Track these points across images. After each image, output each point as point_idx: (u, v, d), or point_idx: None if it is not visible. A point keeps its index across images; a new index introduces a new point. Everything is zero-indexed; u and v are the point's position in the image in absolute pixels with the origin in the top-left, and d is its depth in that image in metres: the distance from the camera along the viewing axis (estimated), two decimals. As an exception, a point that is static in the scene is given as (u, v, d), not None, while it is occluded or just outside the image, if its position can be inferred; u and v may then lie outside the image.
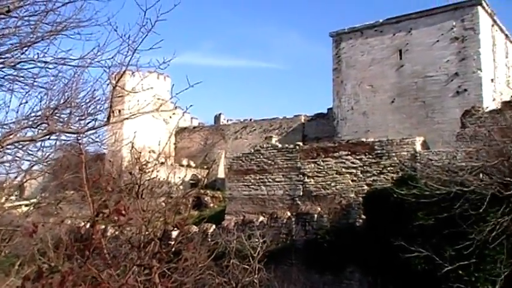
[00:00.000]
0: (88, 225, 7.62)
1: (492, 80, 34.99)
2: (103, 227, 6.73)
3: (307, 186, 27.60)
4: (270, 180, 29.07)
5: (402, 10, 60.32)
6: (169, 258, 8.35)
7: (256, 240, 20.81)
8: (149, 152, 39.65)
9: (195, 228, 25.08)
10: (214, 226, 25.40)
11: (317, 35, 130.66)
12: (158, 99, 29.95)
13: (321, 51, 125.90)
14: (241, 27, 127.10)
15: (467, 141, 20.19)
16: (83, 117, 7.33)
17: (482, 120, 22.59)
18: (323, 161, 27.30)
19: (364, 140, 27.63)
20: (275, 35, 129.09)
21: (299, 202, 27.32)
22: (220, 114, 57.17)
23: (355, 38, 39.00)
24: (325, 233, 22.33)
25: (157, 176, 12.18)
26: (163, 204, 10.74)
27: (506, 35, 39.22)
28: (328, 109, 43.62)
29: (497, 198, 15.07)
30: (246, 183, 29.95)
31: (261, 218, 24.71)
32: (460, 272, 15.10)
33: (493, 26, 36.66)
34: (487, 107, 28.06)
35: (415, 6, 65.77)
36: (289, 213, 24.57)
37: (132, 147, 10.79)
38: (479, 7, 34.34)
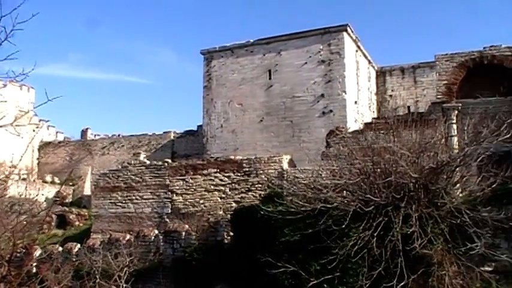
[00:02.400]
0: None
1: (356, 102, 36.70)
2: None
3: (175, 203, 27.24)
4: (137, 197, 28.38)
5: (273, 31, 62.08)
6: (24, 281, 7.79)
7: (123, 259, 20.21)
8: (10, 167, 37.62)
9: (58, 248, 23.96)
10: (79, 245, 24.33)
11: (189, 52, 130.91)
12: (20, 111, 28.40)
13: (192, 68, 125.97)
14: (112, 41, 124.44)
15: (331, 160, 20.85)
16: None
17: (346, 140, 23.51)
18: (192, 179, 27.11)
19: (232, 157, 27.81)
20: (147, 51, 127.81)
21: (167, 220, 26.87)
22: (87, 128, 55.27)
23: (226, 56, 39.40)
24: (193, 250, 22.08)
25: (20, 192, 11.46)
26: (24, 222, 10.06)
27: (369, 61, 41.43)
28: (198, 126, 43.65)
29: (359, 214, 15.65)
30: (112, 201, 29.02)
31: (128, 236, 23.99)
32: (325, 285, 15.43)
33: (357, 51, 38.58)
34: (349, 128, 29.38)
35: (285, 29, 67.77)
36: (156, 231, 24.07)
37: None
38: (344, 33, 36.02)
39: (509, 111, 18.51)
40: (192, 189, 27.09)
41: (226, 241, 22.51)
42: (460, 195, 17.62)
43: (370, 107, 40.60)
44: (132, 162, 29.90)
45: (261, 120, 37.10)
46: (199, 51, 40.59)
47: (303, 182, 18.91)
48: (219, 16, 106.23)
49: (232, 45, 39.36)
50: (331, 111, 34.85)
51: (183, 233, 22.95)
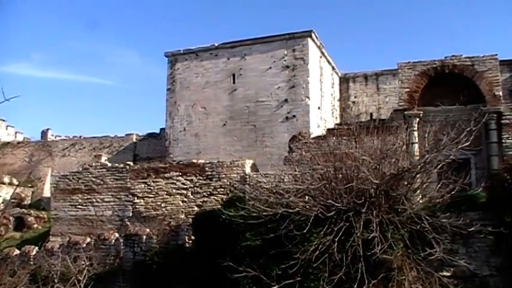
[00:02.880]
0: None
1: (319, 107, 36.96)
2: None
3: (137, 207, 27.02)
4: (98, 200, 28.05)
5: (238, 35, 62.13)
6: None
7: (83, 262, 19.94)
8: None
9: (15, 251, 23.52)
10: (37, 248, 23.90)
11: (154, 54, 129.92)
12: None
13: (157, 71, 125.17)
14: (75, 41, 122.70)
15: (293, 165, 20.96)
16: None
17: (308, 146, 23.67)
18: (154, 182, 26.93)
19: (195, 161, 27.72)
20: (111, 52, 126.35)
21: (128, 223, 26.63)
22: (47, 129, 54.22)
23: (190, 59, 39.26)
24: (154, 254, 21.89)
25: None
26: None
27: (332, 67, 41.80)
28: (161, 129, 43.37)
29: (320, 219, 15.74)
30: (73, 203, 28.62)
31: (88, 240, 23.67)
32: (286, 290, 15.49)
33: (321, 57, 38.88)
34: (312, 133, 29.57)
35: (250, 33, 67.96)
36: (117, 235, 23.80)
37: None
38: (309, 39, 36.26)
39: (469, 120, 18.83)
40: (154, 193, 26.91)
41: (187, 245, 22.38)
42: (420, 201, 17.87)
43: (333, 113, 40.95)
44: (93, 164, 29.53)
45: (224, 124, 37.07)
46: (164, 53, 40.37)
47: (265, 186, 18.94)
48: (185, 18, 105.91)
49: (196, 48, 39.24)
50: (294, 116, 35.02)
51: (144, 237, 22.74)
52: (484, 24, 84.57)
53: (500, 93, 25.84)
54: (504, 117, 24.62)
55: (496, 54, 26.46)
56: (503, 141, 24.26)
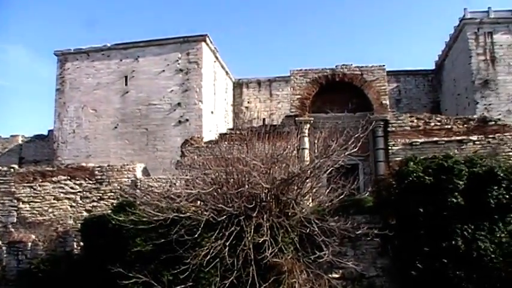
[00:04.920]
0: None
1: (212, 112, 37.09)
2: None
3: (22, 212, 25.81)
4: (-21, 205, 26.60)
5: (132, 37, 61.00)
6: None
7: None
8: None
9: None
10: None
11: (44, 52, 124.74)
12: None
13: (46, 70, 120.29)
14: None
15: (185, 169, 20.94)
16: None
17: (201, 150, 23.76)
18: (40, 186, 25.87)
19: (84, 164, 26.97)
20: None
21: (12, 229, 25.40)
22: None
23: (81, 59, 38.07)
24: (40, 262, 21.18)
25: None
26: None
27: (226, 72, 42.06)
28: (49, 131, 41.77)
29: (211, 224, 15.85)
30: (-50, 208, 26.96)
31: (-34, 248, 22.48)
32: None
33: (215, 62, 39.02)
34: (203, 138, 29.69)
35: (145, 34, 66.95)
36: (0, 242, 22.76)
37: None
38: (203, 43, 36.27)
39: (357, 127, 19.60)
40: (41, 197, 25.86)
41: (76, 252, 21.83)
42: (310, 205, 18.43)
43: (226, 117, 41.22)
44: (-26, 167, 28.01)
45: (116, 127, 36.28)
46: (53, 52, 38.92)
47: (156, 191, 18.78)
48: (76, 17, 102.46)
49: (88, 48, 38.14)
50: (187, 120, 34.90)
51: (29, 244, 21.96)
52: (375, 35, 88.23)
53: (387, 102, 27.09)
54: (390, 125, 25.77)
55: (384, 65, 27.76)
56: (390, 147, 25.36)
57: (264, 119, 38.19)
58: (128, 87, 36.60)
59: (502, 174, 17.77)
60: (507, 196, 17.45)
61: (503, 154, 23.32)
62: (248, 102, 43.80)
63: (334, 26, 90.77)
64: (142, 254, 16.67)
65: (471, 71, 33.59)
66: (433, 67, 42.34)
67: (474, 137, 24.48)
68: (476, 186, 17.55)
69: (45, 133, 43.12)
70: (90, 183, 25.49)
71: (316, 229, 16.38)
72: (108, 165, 26.24)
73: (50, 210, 25.47)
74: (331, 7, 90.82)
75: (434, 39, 77.64)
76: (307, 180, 17.92)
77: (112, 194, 24.75)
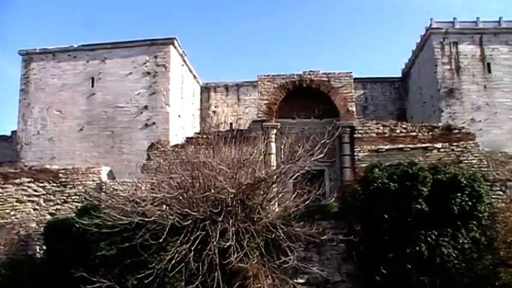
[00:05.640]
0: None
1: (179, 116, 36.90)
2: None
3: (-18, 214, 25.38)
4: None
5: (99, 38, 60.30)
6: None
7: None
8: None
9: None
10: None
11: (7, 51, 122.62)
12: None
13: (10, 69, 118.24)
14: None
15: (151, 173, 20.81)
16: None
17: (167, 154, 23.60)
18: (2, 188, 25.42)
19: (48, 166, 26.61)
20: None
21: (-28, 232, 24.95)
22: None
23: (46, 60, 37.48)
24: (0, 265, 20.78)
25: None
26: None
27: (194, 76, 41.90)
28: (12, 132, 41.07)
29: (177, 228, 15.78)
30: None
31: None
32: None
33: (183, 65, 38.85)
34: (169, 141, 29.54)
35: (113, 36, 66.38)
36: (-43, 246, 22.27)
37: None
38: (171, 46, 36.08)
39: (323, 133, 19.70)
40: (2, 200, 25.43)
41: (39, 255, 21.50)
42: (276, 210, 18.46)
43: (193, 122, 41.05)
44: None
45: (81, 129, 35.79)
46: (18, 51, 38.27)
47: (121, 194, 18.63)
48: (42, 16, 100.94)
49: (54, 48, 37.59)
50: (154, 123, 34.64)
51: (-10, 247, 21.50)
52: (342, 42, 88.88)
53: (354, 108, 27.36)
54: (356, 132, 26.03)
55: (351, 72, 28.09)
56: (355, 154, 25.61)
57: (231, 124, 38.15)
58: (95, 89, 36.17)
59: (465, 182, 18.11)
60: (470, 203, 17.78)
61: (467, 162, 23.69)
62: (215, 107, 43.68)
63: (302, 32, 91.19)
64: (107, 258, 16.52)
65: (436, 79, 34.08)
66: (400, 75, 42.85)
67: (439, 145, 24.87)
68: (440, 193, 17.85)
69: (8, 134, 42.39)
70: (54, 186, 25.19)
71: (282, 234, 16.43)
72: (73, 168, 25.98)
73: (12, 213, 25.07)
74: (300, 13, 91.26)
75: (401, 48, 78.60)
76: (273, 186, 17.98)
77: (76, 197, 24.50)
